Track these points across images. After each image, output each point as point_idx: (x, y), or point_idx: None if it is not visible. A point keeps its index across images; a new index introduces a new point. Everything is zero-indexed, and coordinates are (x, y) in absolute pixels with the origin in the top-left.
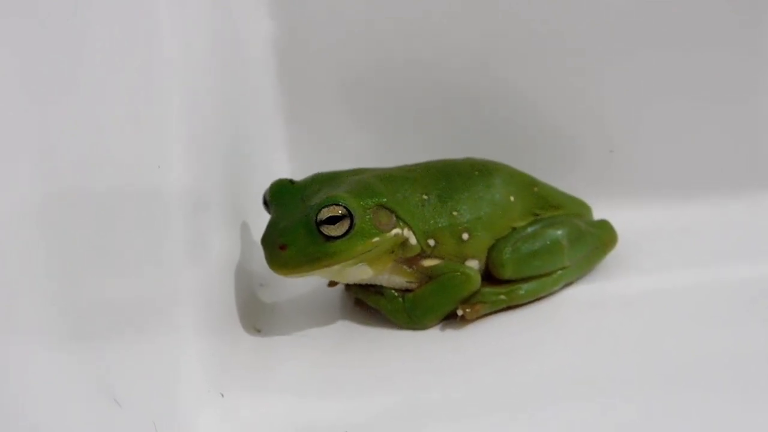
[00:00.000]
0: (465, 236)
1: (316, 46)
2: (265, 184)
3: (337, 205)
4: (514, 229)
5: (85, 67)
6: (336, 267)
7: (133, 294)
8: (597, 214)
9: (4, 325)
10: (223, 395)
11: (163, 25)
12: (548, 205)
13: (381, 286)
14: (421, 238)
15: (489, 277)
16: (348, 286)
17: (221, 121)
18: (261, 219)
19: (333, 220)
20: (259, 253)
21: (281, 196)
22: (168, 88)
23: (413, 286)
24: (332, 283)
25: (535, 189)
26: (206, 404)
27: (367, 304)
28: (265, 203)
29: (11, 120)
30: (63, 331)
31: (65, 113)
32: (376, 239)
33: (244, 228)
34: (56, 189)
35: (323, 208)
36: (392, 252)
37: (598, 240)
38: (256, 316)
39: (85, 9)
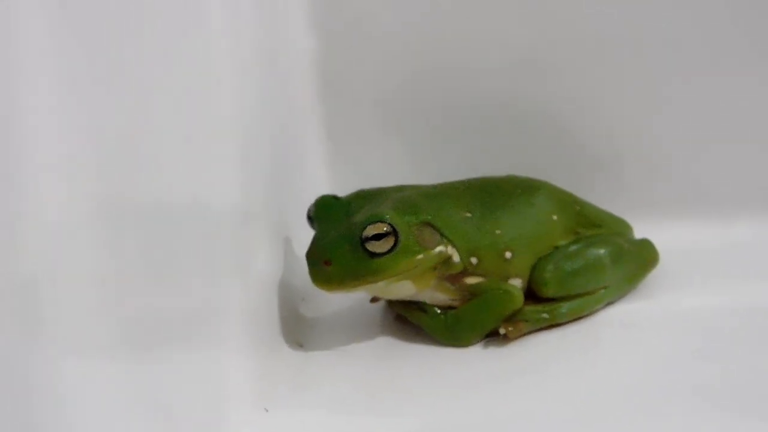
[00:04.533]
0: (508, 255)
1: (355, 62)
2: (307, 199)
3: (383, 222)
4: (556, 247)
5: (143, 80)
6: (380, 283)
7: (181, 306)
8: (638, 234)
9: (53, 335)
10: (267, 410)
11: (218, 43)
12: (590, 224)
13: (423, 303)
14: (464, 256)
15: (531, 295)
16: (390, 303)
17: (265, 137)
18: (303, 234)
19: (378, 237)
20: (301, 267)
21: (326, 211)
22: (220, 103)
23: (456, 303)
24: (374, 299)
25: (577, 207)
26: (251, 419)
27: (409, 320)
28: (309, 219)
29: (70, 128)
30: (112, 342)
31: (123, 125)
32: (420, 256)
33: (287, 242)
34: (108, 198)
35: (369, 225)
36: (435, 269)
37: (640, 259)
38: (298, 331)
39: (142, 24)
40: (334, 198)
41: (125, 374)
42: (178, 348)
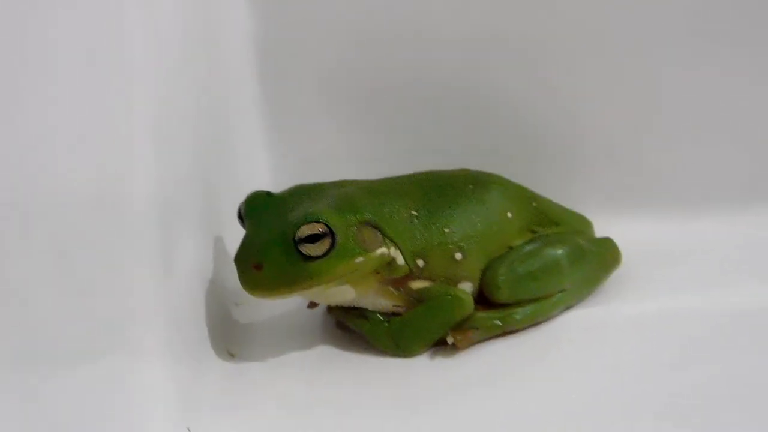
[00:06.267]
0: (458, 256)
1: (298, 46)
2: (244, 194)
3: (318, 222)
4: (510, 248)
5: (41, 64)
6: (316, 288)
7: (89, 314)
8: (599, 230)
9: None
10: (189, 430)
11: (132, 22)
12: (548, 222)
13: (365, 309)
14: (410, 258)
15: (483, 300)
16: (329, 308)
17: (195, 126)
18: (238, 232)
19: (313, 239)
20: (235, 269)
21: (257, 210)
22: (136, 89)
23: (400, 309)
24: (312, 304)
25: (534, 204)
26: None
27: (350, 327)
28: (240, 218)
29: None
30: (6, 357)
31: (15, 117)
32: (359, 259)
33: (219, 241)
34: (3, 201)
35: (302, 225)
36: (377, 272)
37: (600, 259)
38: (230, 339)
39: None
40: (268, 194)
41: (22, 393)
42: (86, 361)
